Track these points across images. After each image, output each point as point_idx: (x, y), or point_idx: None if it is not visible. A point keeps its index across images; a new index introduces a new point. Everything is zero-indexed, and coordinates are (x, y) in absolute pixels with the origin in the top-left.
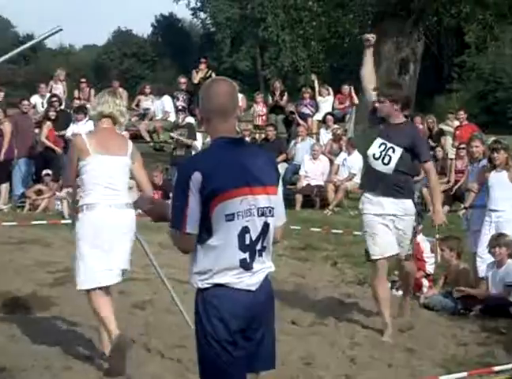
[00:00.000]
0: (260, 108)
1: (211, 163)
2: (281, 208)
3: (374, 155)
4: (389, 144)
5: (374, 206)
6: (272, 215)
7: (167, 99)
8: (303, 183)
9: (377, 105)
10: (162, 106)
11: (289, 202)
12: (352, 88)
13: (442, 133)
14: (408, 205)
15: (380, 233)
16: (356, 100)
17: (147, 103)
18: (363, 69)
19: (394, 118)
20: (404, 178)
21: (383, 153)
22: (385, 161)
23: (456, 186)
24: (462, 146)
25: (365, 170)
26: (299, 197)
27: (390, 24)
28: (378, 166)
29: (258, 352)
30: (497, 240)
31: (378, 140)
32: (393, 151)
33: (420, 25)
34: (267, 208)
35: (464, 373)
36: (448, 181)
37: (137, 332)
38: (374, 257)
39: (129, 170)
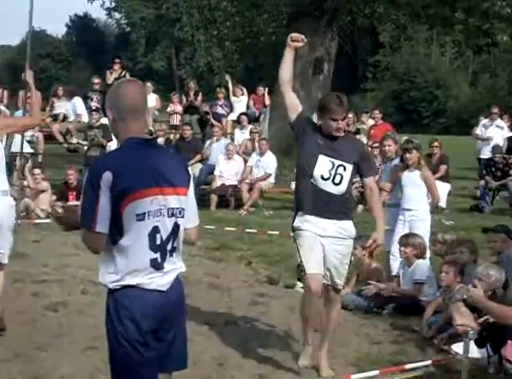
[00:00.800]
0: (176, 108)
1: (122, 162)
2: (193, 210)
3: (322, 176)
4: (337, 162)
5: (316, 227)
6: (183, 216)
7: (78, 101)
8: (218, 183)
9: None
10: (73, 108)
11: (204, 202)
12: (267, 89)
13: (357, 132)
14: (349, 227)
15: (318, 248)
16: (268, 101)
17: (59, 104)
18: (285, 71)
19: (333, 132)
20: (350, 196)
21: (332, 173)
22: (336, 181)
23: None
24: (375, 145)
25: (303, 190)
26: (213, 197)
27: (304, 24)
28: (327, 187)
29: (170, 352)
30: (405, 240)
31: (323, 158)
32: (344, 169)
33: (334, 25)
34: (177, 208)
35: (376, 372)
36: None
37: (50, 333)
38: (311, 271)
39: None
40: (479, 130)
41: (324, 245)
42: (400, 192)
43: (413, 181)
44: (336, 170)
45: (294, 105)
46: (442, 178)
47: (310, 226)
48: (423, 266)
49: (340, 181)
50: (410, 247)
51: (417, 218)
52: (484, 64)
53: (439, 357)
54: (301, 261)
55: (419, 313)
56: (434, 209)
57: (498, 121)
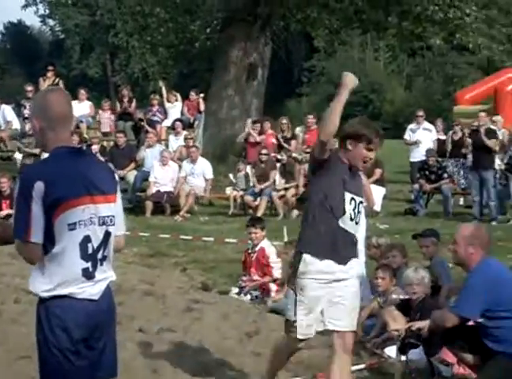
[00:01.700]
0: (107, 115)
1: (53, 172)
2: (121, 217)
3: (350, 216)
4: (357, 199)
5: (325, 274)
6: (114, 224)
7: (6, 109)
8: (153, 190)
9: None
10: (3, 116)
11: (139, 209)
12: (201, 95)
13: (294, 136)
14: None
15: (319, 309)
16: (203, 107)
17: None
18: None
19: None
20: None
21: (355, 211)
22: (357, 220)
23: (303, 189)
24: (308, 150)
25: (322, 231)
26: (149, 204)
27: (238, 30)
28: (351, 227)
29: (101, 361)
30: None
31: (348, 195)
32: (361, 206)
33: (268, 30)
34: (108, 216)
35: (308, 376)
36: (297, 186)
37: None
38: (299, 336)
39: None
40: (407, 135)
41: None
42: None
43: None
44: (358, 207)
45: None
46: (377, 182)
47: (319, 274)
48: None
49: (359, 219)
50: None
51: None
52: (418, 68)
53: (373, 360)
54: (294, 321)
55: None
56: (369, 213)
57: (426, 124)
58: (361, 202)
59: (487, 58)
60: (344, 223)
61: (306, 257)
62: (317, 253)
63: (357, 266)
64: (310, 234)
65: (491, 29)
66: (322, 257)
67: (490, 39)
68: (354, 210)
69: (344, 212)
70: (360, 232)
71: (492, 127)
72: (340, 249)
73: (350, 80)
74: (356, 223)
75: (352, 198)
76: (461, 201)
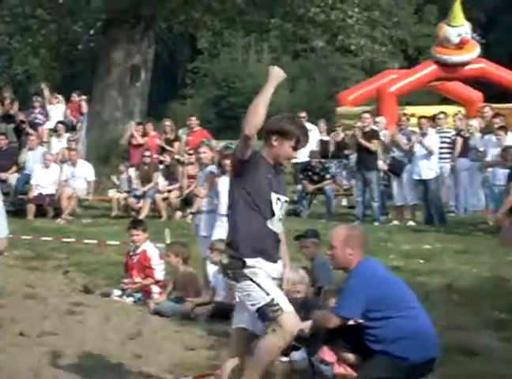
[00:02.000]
0: None
1: None
2: (3, 220)
3: (278, 217)
4: (282, 199)
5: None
6: None
7: None
8: (35, 192)
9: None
10: None
11: (22, 212)
12: (83, 97)
13: (177, 138)
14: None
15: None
16: (85, 109)
17: None
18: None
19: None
20: None
21: (281, 211)
22: (281, 218)
23: (187, 191)
24: (191, 152)
25: (255, 234)
26: (31, 207)
27: (120, 32)
28: (277, 228)
29: None
30: (212, 245)
31: (274, 196)
32: (285, 205)
33: (151, 32)
34: None
35: (190, 377)
36: (180, 188)
37: None
38: (290, 308)
39: None
40: None
41: None
42: (216, 198)
43: None
44: (282, 206)
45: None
46: None
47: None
48: None
49: (282, 216)
50: (216, 252)
51: None
52: (302, 69)
53: None
54: (272, 300)
55: None
56: None
57: (308, 125)
58: (286, 201)
59: (369, 59)
60: (272, 224)
61: (246, 260)
62: (251, 254)
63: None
64: (242, 237)
65: (373, 31)
66: (268, 259)
67: (372, 40)
68: (280, 210)
69: (273, 214)
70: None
71: (375, 128)
72: (270, 249)
73: (276, 74)
74: (280, 221)
75: (278, 198)
76: (344, 202)
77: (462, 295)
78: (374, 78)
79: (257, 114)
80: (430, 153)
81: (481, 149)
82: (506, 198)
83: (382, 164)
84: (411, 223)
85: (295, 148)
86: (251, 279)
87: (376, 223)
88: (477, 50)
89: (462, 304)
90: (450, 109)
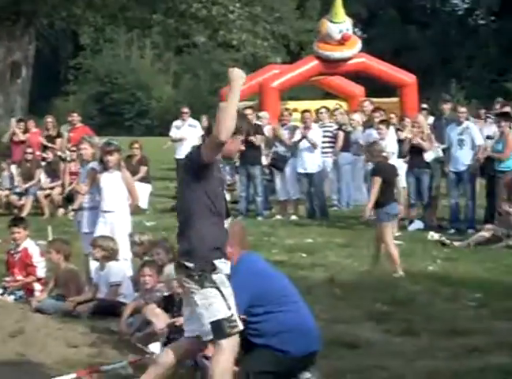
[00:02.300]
0: None
1: None
2: None
3: (227, 213)
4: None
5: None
6: None
7: None
8: None
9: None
10: None
11: None
12: None
13: (59, 135)
14: None
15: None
16: None
17: None
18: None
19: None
20: None
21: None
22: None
23: (69, 188)
24: (73, 149)
25: (218, 237)
26: None
27: (0, 28)
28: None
29: None
30: (94, 241)
31: (226, 195)
32: None
33: (32, 28)
34: None
35: (73, 375)
36: (62, 185)
37: None
38: (241, 327)
39: None
40: (172, 132)
41: None
42: (98, 195)
43: (113, 183)
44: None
45: None
46: (143, 180)
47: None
48: (116, 268)
49: None
50: (98, 248)
51: (117, 219)
52: (185, 65)
53: (137, 357)
54: (232, 315)
55: (118, 315)
56: (135, 210)
57: (191, 121)
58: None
59: (251, 54)
60: (227, 223)
61: (214, 262)
62: (219, 256)
63: None
64: (209, 242)
65: (255, 26)
66: (221, 258)
67: (254, 35)
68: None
69: (228, 214)
70: None
71: (258, 123)
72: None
73: (237, 75)
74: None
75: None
76: (228, 197)
77: (344, 289)
78: (256, 73)
79: (233, 120)
80: (314, 147)
81: (362, 143)
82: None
83: (265, 159)
84: (294, 217)
85: (244, 141)
86: (218, 288)
87: (260, 218)
88: (358, 45)
89: (344, 297)
90: (333, 104)
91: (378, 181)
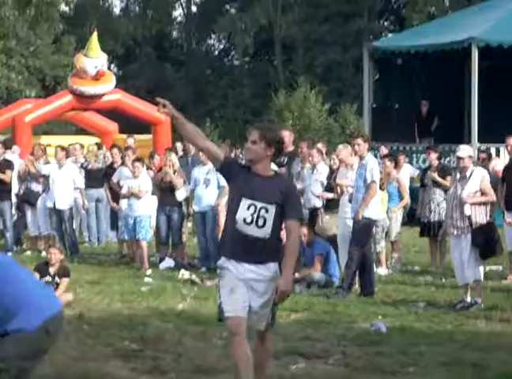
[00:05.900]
0: None
1: None
2: None
3: (245, 219)
4: (259, 204)
5: (237, 270)
6: None
7: None
8: None
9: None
10: None
11: None
12: None
13: None
14: (273, 268)
15: (240, 290)
16: None
17: None
18: (198, 140)
19: (263, 168)
20: (277, 239)
21: (255, 216)
22: (260, 223)
23: None
24: None
25: (227, 232)
26: None
27: None
28: (251, 231)
29: None
30: None
31: (245, 202)
32: (266, 211)
33: None
34: None
35: None
36: None
37: None
38: (229, 314)
39: None
40: None
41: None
42: None
43: None
44: (259, 212)
45: (214, 153)
46: None
47: (232, 267)
48: None
49: (264, 223)
50: None
51: None
52: None
53: None
54: (221, 303)
55: None
56: None
57: None
58: (263, 207)
59: (6, 87)
60: (242, 227)
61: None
62: (224, 253)
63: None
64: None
65: (9, 59)
66: (227, 254)
67: (8, 68)
68: (253, 214)
69: (236, 216)
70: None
71: (7, 159)
72: (238, 249)
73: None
74: (258, 227)
75: (252, 203)
76: None
77: (93, 326)
78: (9, 107)
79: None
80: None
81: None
82: None
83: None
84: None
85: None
86: (219, 280)
87: (9, 254)
88: (113, 81)
89: (93, 335)
90: (87, 140)
91: None
